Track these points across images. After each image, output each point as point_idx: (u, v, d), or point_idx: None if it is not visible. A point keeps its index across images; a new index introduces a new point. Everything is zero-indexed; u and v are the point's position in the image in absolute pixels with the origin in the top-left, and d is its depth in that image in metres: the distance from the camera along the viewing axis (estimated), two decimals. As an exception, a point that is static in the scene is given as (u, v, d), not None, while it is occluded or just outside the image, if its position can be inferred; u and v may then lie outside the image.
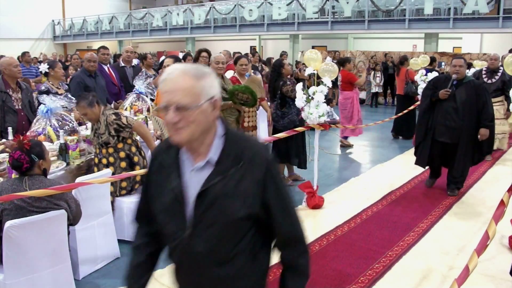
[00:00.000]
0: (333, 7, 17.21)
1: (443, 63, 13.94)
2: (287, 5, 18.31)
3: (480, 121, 5.43)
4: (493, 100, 6.96)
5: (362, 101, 15.78)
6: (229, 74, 6.38)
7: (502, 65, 7.67)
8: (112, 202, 4.24)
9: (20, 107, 4.97)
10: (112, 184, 4.19)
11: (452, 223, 4.91)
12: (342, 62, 8.49)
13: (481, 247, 2.83)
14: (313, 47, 14.82)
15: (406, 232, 4.62)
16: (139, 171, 4.05)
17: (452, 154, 5.60)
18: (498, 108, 7.41)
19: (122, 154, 4.23)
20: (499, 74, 7.52)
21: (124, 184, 4.28)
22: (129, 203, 4.27)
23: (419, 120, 5.85)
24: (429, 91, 5.71)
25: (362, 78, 8.88)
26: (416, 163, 5.97)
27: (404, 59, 9.64)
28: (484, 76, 7.64)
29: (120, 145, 4.25)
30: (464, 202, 5.54)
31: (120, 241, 4.18)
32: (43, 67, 5.53)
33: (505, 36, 15.18)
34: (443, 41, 17.19)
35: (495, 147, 7.50)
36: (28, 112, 5.03)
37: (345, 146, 8.71)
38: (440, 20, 15.03)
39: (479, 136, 5.42)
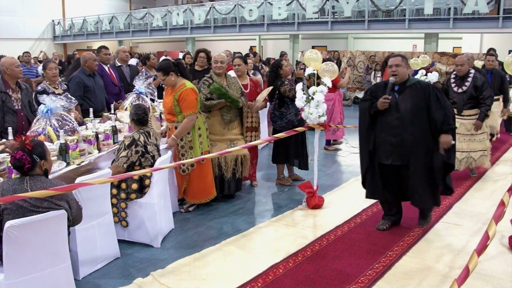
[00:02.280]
0: (333, 7, 17.22)
1: (436, 63, 13.88)
2: (287, 5, 18.32)
3: (437, 128, 4.31)
4: (469, 112, 6.16)
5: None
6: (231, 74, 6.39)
7: (474, 67, 6.85)
8: (124, 208, 4.31)
9: (19, 107, 4.97)
10: (121, 189, 4.30)
11: (452, 223, 4.91)
12: None
13: (481, 247, 2.83)
14: (313, 47, 14.82)
15: (406, 232, 4.61)
16: (138, 172, 4.05)
17: (406, 179, 4.46)
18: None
19: (135, 177, 4.28)
20: (470, 79, 6.10)
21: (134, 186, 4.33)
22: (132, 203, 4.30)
23: (361, 142, 4.65)
24: (366, 103, 4.54)
25: (345, 79, 8.81)
26: (368, 196, 4.75)
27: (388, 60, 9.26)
28: (453, 84, 6.23)
29: (136, 168, 4.36)
30: (464, 202, 5.54)
31: (120, 241, 4.19)
32: (41, 69, 5.55)
33: (505, 36, 15.19)
34: (443, 41, 17.19)
35: (473, 165, 6.36)
36: (28, 112, 5.03)
37: (332, 150, 8.38)
38: (440, 20, 15.03)
39: (440, 146, 4.30)
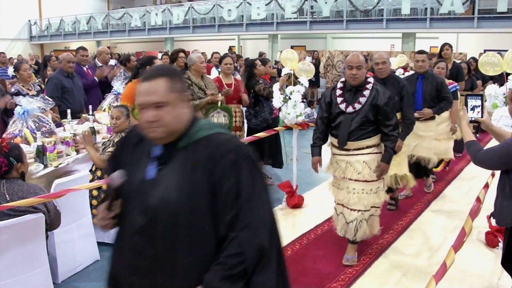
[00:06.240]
0: (311, 7, 17.31)
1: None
2: (266, 5, 18.35)
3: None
4: (358, 144, 3.77)
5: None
6: (213, 74, 6.39)
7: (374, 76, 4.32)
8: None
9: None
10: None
11: (430, 220, 4.99)
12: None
13: (458, 244, 2.87)
14: (292, 47, 14.88)
15: (385, 229, 4.66)
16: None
17: None
18: (369, 160, 3.78)
19: None
20: (366, 93, 3.71)
21: None
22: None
23: None
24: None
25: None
26: None
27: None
28: (339, 98, 3.79)
29: None
30: (442, 199, 5.63)
31: (99, 243, 4.14)
32: (10, 71, 5.47)
33: (479, 35, 15.48)
34: (421, 41, 17.42)
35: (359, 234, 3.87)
36: (3, 114, 4.95)
37: None
38: (417, 20, 15.26)
39: None
